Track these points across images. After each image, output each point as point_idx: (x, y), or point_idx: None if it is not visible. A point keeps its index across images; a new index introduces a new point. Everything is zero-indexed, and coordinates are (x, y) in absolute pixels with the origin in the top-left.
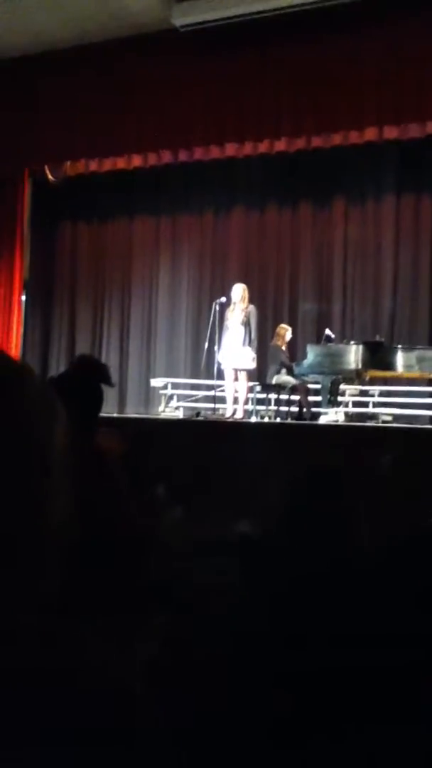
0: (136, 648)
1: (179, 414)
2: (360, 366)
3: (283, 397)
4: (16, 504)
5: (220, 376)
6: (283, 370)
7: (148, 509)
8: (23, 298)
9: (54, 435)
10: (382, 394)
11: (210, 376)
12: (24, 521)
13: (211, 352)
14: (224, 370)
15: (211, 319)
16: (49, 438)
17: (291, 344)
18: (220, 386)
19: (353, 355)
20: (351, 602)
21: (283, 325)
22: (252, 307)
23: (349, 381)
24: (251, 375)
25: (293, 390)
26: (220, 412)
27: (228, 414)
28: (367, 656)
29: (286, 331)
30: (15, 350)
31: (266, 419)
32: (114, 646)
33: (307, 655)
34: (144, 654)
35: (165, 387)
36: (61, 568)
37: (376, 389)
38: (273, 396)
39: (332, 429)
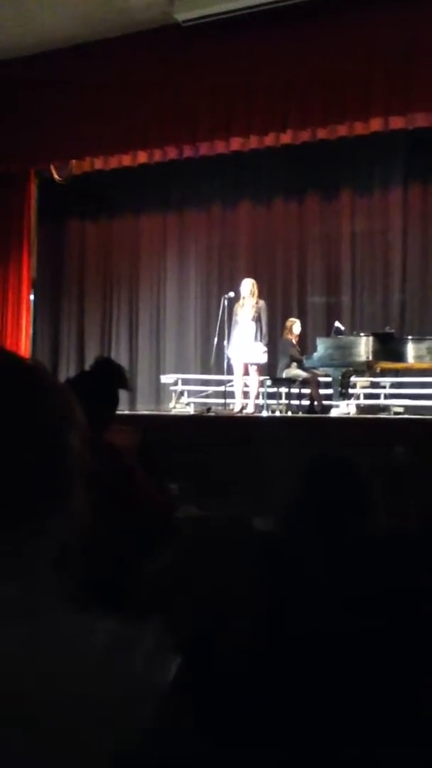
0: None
1: (190, 410)
2: (370, 358)
3: (294, 390)
4: (32, 499)
5: (231, 371)
6: (294, 364)
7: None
8: (32, 297)
9: (70, 433)
10: (393, 385)
11: (220, 372)
12: (42, 516)
13: (220, 348)
14: (233, 365)
15: (220, 314)
16: (66, 435)
17: (301, 337)
18: (230, 381)
19: (363, 347)
20: (366, 595)
21: (292, 319)
22: (262, 303)
23: (359, 373)
24: (262, 369)
25: (304, 383)
26: (230, 407)
27: (236, 409)
28: (383, 651)
29: (293, 324)
30: (25, 349)
31: (277, 413)
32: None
33: (318, 646)
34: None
35: (175, 383)
36: (81, 562)
37: (387, 381)
38: (284, 390)
39: (344, 421)
